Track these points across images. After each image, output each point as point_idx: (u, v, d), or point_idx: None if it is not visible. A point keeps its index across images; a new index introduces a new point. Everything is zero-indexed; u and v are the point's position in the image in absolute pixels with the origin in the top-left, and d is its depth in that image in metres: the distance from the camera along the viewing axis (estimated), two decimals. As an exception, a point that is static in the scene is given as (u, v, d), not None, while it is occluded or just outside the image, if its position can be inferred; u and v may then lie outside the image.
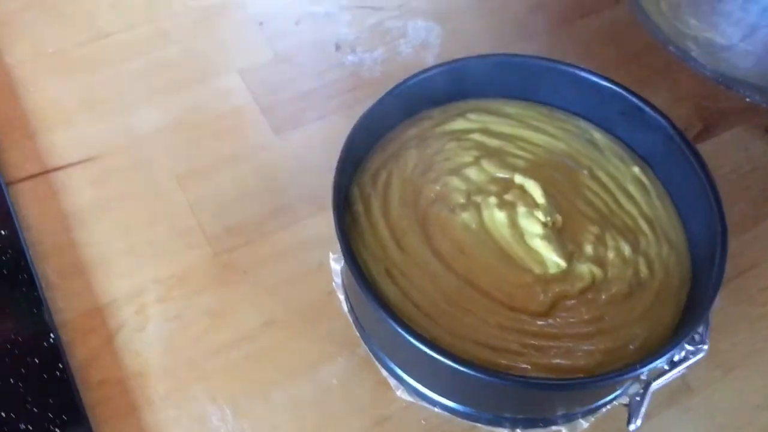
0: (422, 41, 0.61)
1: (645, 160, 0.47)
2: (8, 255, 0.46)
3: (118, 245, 0.48)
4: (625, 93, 0.46)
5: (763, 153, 0.54)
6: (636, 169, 0.46)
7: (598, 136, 0.48)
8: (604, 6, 0.62)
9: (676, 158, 0.45)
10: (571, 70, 0.47)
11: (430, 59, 0.60)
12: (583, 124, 0.48)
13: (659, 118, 0.45)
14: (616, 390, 0.42)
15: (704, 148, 0.54)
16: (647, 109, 0.45)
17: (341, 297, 0.46)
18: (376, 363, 0.44)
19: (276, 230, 0.50)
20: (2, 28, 0.58)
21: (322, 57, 0.59)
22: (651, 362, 0.36)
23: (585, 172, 0.46)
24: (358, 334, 0.45)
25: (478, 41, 0.61)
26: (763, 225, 0.52)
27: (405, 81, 0.46)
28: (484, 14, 0.63)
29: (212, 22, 0.60)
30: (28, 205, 0.49)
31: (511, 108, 0.49)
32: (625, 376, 0.36)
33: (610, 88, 0.46)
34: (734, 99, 0.57)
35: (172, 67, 0.57)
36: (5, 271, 0.46)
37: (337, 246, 0.48)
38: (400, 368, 0.43)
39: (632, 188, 0.46)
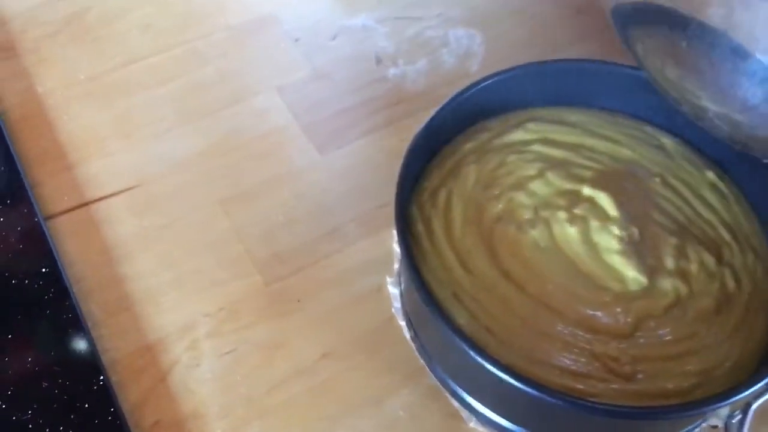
0: (465, 50, 0.58)
1: (719, 164, 0.44)
2: (51, 294, 0.44)
3: (165, 277, 0.46)
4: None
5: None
6: (711, 174, 0.43)
7: (666, 140, 0.45)
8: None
9: (751, 160, 0.42)
10: (632, 71, 0.44)
11: (474, 68, 0.57)
12: (650, 129, 0.46)
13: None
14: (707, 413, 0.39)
15: None
16: (720, 109, 0.43)
17: (402, 323, 0.44)
18: (445, 392, 0.41)
19: (328, 255, 0.47)
20: (31, 56, 0.56)
21: (362, 71, 0.57)
22: (757, 382, 0.33)
23: (657, 179, 0.43)
24: (423, 362, 0.42)
25: (524, 47, 0.58)
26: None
27: (461, 93, 0.43)
28: (527, 19, 0.60)
29: (246, 40, 0.58)
30: (68, 240, 0.47)
31: (573, 115, 0.46)
32: (731, 400, 0.33)
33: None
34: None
35: (207, 89, 0.55)
36: (49, 311, 0.43)
37: (394, 269, 0.45)
38: (472, 397, 0.40)
39: (708, 194, 0.43)
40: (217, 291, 0.45)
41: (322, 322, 0.45)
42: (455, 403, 0.41)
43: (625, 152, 0.44)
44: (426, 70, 0.57)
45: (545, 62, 0.45)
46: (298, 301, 0.45)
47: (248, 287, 0.46)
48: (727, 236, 0.41)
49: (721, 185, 0.43)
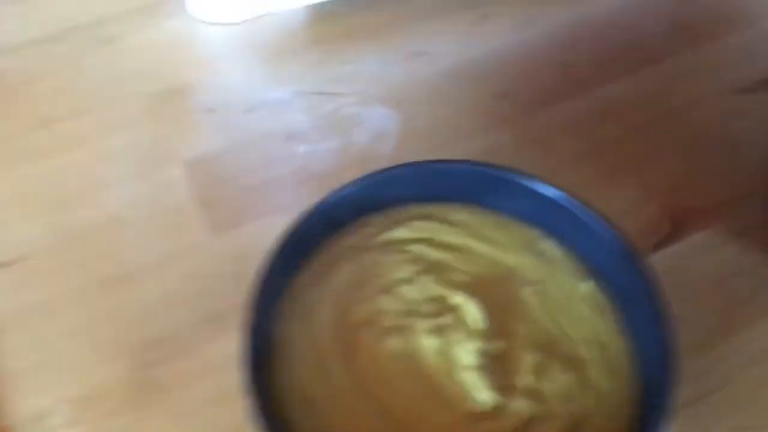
0: (379, 130, 0.58)
1: (600, 274, 0.43)
2: None
3: (31, 359, 0.45)
4: (570, 205, 0.43)
5: (735, 258, 0.50)
6: (588, 286, 0.42)
7: (549, 247, 0.44)
8: (569, 96, 0.59)
9: (627, 274, 0.41)
10: (517, 179, 0.44)
11: (385, 150, 0.57)
12: (536, 233, 0.45)
13: (607, 230, 0.42)
14: None
15: (672, 252, 0.51)
16: (596, 221, 0.42)
17: (267, 421, 0.43)
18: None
19: (203, 343, 0.46)
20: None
21: (273, 147, 0.56)
22: None
23: (532, 288, 0.42)
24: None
25: (439, 130, 0.58)
26: (733, 340, 0.47)
27: (325, 199, 0.43)
28: (446, 102, 0.60)
29: (160, 109, 0.58)
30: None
31: (460, 214, 0.46)
32: None
33: (556, 198, 0.43)
34: (705, 196, 0.54)
35: (114, 158, 0.55)
36: None
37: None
38: None
39: (583, 307, 0.42)
40: (81, 376, 0.44)
41: (189, 416, 0.44)
42: None
43: (507, 257, 0.44)
44: (337, 149, 0.57)
45: (428, 163, 0.45)
46: (165, 390, 0.44)
47: (115, 374, 0.44)
48: (591, 354, 0.40)
49: (597, 297, 0.42)
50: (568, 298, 0.42)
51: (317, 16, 0.65)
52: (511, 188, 0.44)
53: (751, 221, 0.52)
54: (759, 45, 0.62)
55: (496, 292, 0.42)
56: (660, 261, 0.50)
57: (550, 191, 0.43)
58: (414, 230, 0.44)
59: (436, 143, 0.57)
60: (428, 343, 0.39)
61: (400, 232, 0.44)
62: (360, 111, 0.59)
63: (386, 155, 0.57)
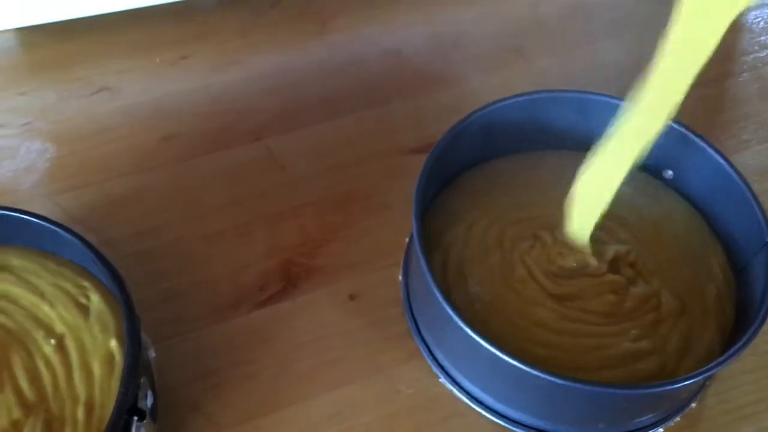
0: (29, 164, 0.57)
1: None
2: None
3: None
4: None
5: (337, 321, 0.50)
6: (113, 342, 0.41)
7: (95, 298, 0.43)
8: (236, 144, 0.58)
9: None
10: (68, 236, 0.43)
11: (27, 185, 0.55)
12: (86, 283, 0.44)
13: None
14: None
15: (276, 310, 0.50)
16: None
17: None
18: None
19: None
20: None
21: None
22: None
23: (53, 341, 0.41)
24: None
25: (92, 167, 0.57)
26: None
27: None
28: (109, 141, 0.59)
29: None
30: None
31: (20, 259, 0.44)
32: None
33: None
34: (328, 255, 0.53)
35: None
36: None
37: None
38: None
39: (98, 366, 0.40)
40: None
41: None
42: None
43: (43, 307, 0.42)
44: (-18, 181, 0.55)
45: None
46: None
47: None
48: (80, 414, 0.39)
49: (117, 356, 0.41)
50: (88, 355, 0.41)
51: (10, 43, 0.64)
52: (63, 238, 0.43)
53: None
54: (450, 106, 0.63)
55: (14, 343, 0.40)
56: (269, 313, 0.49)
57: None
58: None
59: (86, 179, 0.56)
60: None
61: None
62: (18, 144, 0.58)
63: (25, 190, 0.55)
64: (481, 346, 0.39)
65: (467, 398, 0.46)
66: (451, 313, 0.40)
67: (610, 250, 0.47)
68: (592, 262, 0.46)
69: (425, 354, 0.48)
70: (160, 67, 0.64)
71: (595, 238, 0.46)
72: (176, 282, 0.50)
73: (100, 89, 0.62)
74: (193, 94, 0.62)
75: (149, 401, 0.41)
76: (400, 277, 0.51)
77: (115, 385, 0.40)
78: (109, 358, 0.41)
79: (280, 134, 0.60)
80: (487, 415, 0.45)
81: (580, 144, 0.47)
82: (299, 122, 0.60)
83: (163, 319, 0.48)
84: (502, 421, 0.45)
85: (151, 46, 0.64)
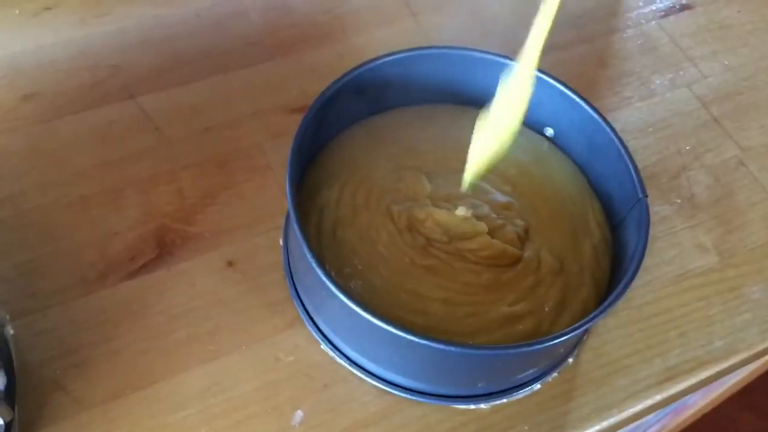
0: None
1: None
2: None
3: None
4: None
5: (214, 289, 0.48)
6: None
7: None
8: (108, 102, 0.54)
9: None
10: None
11: None
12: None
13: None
14: None
15: (148, 280, 0.48)
16: None
17: None
18: None
19: None
20: None
21: None
22: None
23: None
24: None
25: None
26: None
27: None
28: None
29: None
30: None
31: None
32: None
33: None
34: (205, 221, 0.51)
35: None
36: None
37: None
38: None
39: None
40: None
41: None
42: None
43: None
44: None
45: None
46: None
47: None
48: None
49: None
50: None
51: None
52: None
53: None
54: (335, 62, 0.60)
55: None
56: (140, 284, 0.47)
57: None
58: None
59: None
60: None
61: None
62: None
63: None
64: (355, 312, 0.38)
65: (348, 364, 0.45)
66: (324, 278, 0.39)
67: (487, 207, 0.46)
68: (464, 215, 0.45)
69: (306, 320, 0.46)
70: (20, 19, 0.59)
71: (478, 190, 0.46)
72: (36, 253, 0.47)
73: (-46, 44, 0.56)
74: (58, 48, 0.57)
75: (2, 382, 0.38)
76: (281, 242, 0.50)
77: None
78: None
79: (153, 92, 0.56)
80: (369, 380, 0.45)
81: (465, 99, 0.46)
82: (175, 79, 0.57)
83: (22, 294, 0.45)
84: (384, 385, 0.44)
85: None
